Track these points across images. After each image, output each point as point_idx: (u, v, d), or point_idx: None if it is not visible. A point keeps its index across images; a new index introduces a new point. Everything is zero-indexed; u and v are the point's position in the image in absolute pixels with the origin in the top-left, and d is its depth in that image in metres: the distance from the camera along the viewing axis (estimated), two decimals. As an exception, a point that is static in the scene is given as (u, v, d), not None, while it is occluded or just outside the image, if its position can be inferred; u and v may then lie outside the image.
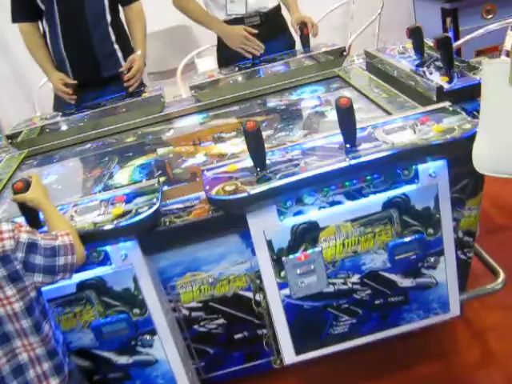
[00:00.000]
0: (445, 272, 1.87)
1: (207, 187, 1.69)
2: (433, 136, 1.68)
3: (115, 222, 1.61)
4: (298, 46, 3.00)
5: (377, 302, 1.89)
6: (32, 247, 1.45)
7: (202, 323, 1.95)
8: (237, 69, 2.77)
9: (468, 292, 2.04)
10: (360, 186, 1.73)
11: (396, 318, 1.93)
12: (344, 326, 1.90)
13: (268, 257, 1.76)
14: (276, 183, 1.62)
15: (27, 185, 1.65)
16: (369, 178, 1.71)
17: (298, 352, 1.91)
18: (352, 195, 1.73)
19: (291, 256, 1.76)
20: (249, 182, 1.66)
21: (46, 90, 3.34)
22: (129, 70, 2.75)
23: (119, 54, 2.85)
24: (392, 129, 1.76)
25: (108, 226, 1.61)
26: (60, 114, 2.74)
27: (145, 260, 1.72)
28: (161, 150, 2.30)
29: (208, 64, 3.42)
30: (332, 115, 2.24)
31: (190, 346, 1.99)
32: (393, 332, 1.94)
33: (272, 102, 2.54)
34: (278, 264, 1.77)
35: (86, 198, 1.80)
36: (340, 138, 1.75)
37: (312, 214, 1.73)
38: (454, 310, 1.93)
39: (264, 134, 2.11)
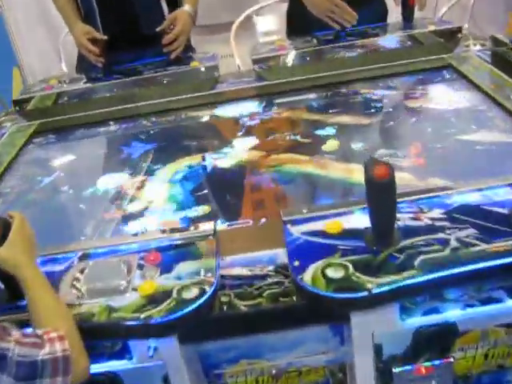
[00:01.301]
0: None
1: (295, 263, 0.98)
2: None
3: (143, 315, 0.92)
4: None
5: (513, 428, 1.22)
6: None
7: (252, 419, 1.29)
8: (315, 41, 2.00)
9: None
10: (533, 279, 1.02)
11: None
12: None
13: (371, 365, 1.08)
14: (415, 279, 0.91)
15: (4, 231, 0.95)
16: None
17: None
18: (518, 292, 1.03)
19: (406, 367, 1.08)
20: (367, 264, 0.95)
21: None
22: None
23: (164, 5, 2.10)
24: None
25: (132, 322, 0.92)
26: (83, 78, 2.01)
27: (182, 353, 1.05)
28: (211, 155, 1.58)
29: (270, 24, 2.64)
30: (463, 132, 1.49)
31: None
32: None
33: (361, 94, 1.79)
34: (384, 376, 1.09)
35: (101, 243, 1.10)
36: (505, 194, 1.04)
37: (451, 313, 1.04)
38: None
39: (353, 145, 1.42)
